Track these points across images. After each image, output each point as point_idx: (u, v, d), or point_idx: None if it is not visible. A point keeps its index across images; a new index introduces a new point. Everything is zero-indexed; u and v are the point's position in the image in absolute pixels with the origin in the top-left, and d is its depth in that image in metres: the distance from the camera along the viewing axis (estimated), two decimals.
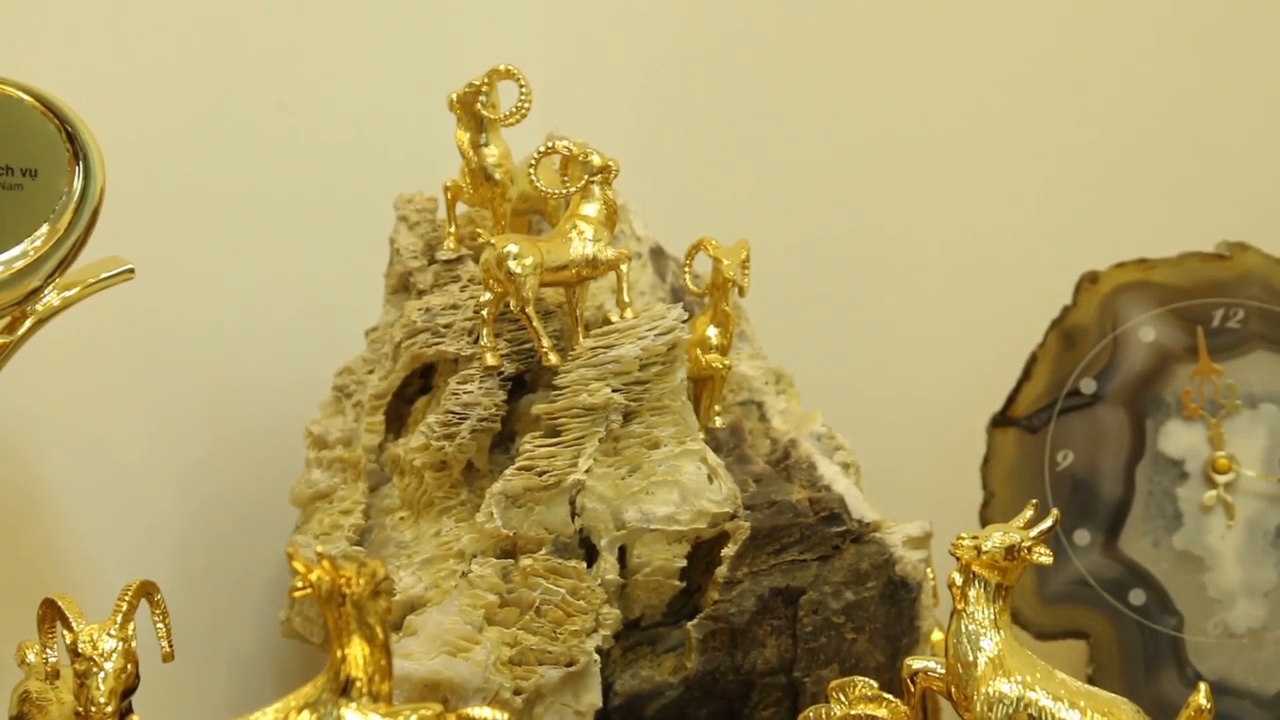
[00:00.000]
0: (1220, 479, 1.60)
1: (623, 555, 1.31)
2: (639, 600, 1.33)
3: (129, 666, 1.14)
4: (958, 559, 1.22)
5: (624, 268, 1.34)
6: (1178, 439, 1.62)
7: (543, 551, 1.30)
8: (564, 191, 1.36)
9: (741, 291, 1.42)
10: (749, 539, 1.33)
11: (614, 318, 1.35)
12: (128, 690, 1.14)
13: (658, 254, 1.53)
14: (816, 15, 1.95)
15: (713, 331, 1.40)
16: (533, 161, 1.37)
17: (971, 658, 1.19)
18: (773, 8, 1.96)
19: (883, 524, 1.37)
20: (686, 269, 1.44)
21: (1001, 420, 1.65)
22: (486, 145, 1.39)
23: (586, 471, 1.30)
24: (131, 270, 1.28)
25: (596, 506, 1.30)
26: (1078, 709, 1.19)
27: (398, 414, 1.45)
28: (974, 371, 1.80)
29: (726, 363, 1.40)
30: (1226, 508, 1.60)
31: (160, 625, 1.20)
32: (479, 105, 1.39)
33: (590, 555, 1.31)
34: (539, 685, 1.27)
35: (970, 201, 1.89)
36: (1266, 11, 1.79)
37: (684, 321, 1.34)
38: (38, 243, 1.18)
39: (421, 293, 1.44)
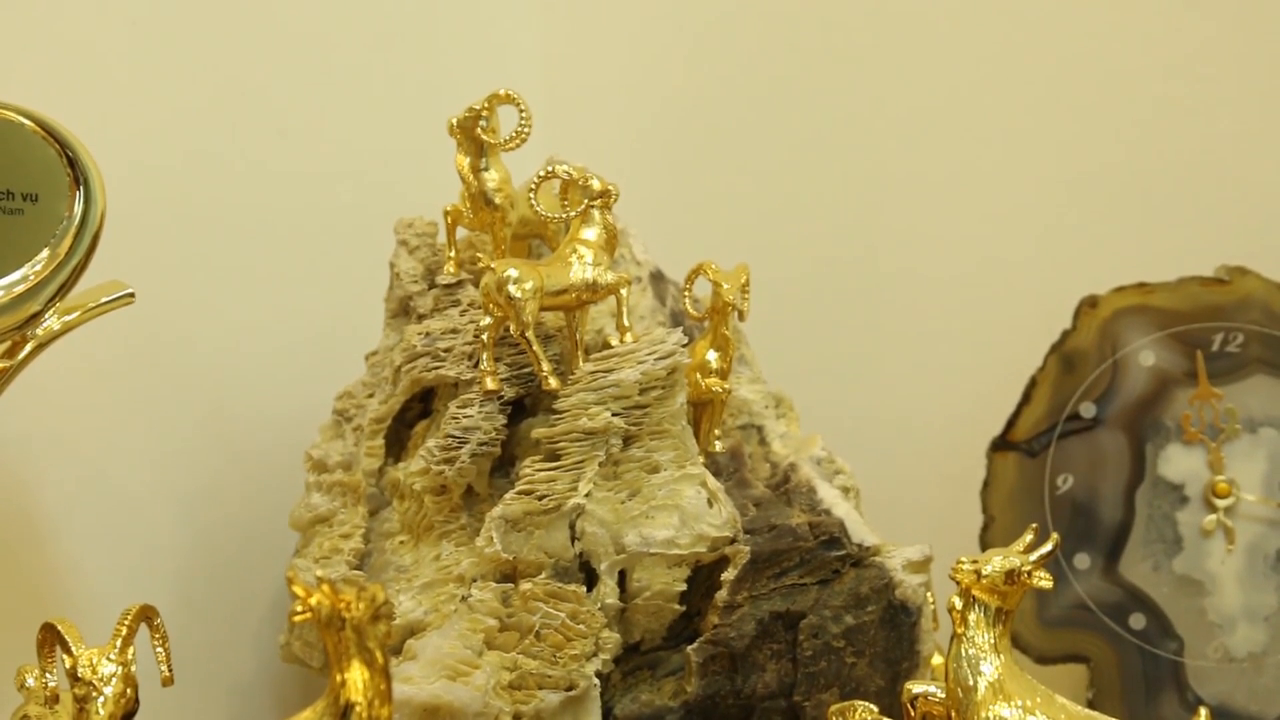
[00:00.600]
0: (1220, 503, 1.60)
1: (622, 579, 1.31)
2: (639, 624, 1.33)
3: (128, 691, 1.14)
4: (958, 583, 1.22)
5: (624, 292, 1.35)
6: (1177, 463, 1.62)
7: (542, 576, 1.30)
8: (564, 216, 1.37)
9: (741, 316, 1.42)
10: (749, 563, 1.33)
11: (614, 342, 1.35)
12: (127, 715, 1.14)
13: (657, 278, 1.53)
14: (817, 38, 1.95)
15: (712, 356, 1.40)
16: (533, 186, 1.37)
17: (971, 682, 1.19)
18: (772, 31, 1.97)
19: (883, 548, 1.37)
20: (686, 293, 1.44)
21: (1001, 444, 1.65)
22: (486, 170, 1.40)
23: (586, 495, 1.30)
24: (132, 295, 1.28)
25: (596, 530, 1.30)
26: None
27: (398, 438, 1.46)
28: (974, 395, 1.80)
29: (726, 387, 1.40)
30: (1226, 532, 1.60)
31: (160, 650, 1.20)
32: (479, 130, 1.39)
33: (590, 579, 1.31)
34: (539, 709, 1.27)
35: (970, 226, 1.89)
36: (1265, 36, 1.80)
37: (684, 346, 1.34)
38: (38, 267, 1.18)
39: (421, 317, 1.44)
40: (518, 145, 1.40)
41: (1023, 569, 1.21)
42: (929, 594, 1.37)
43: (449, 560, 1.35)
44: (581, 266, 1.33)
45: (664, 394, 1.33)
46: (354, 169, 1.79)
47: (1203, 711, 1.23)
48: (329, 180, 1.76)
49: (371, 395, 1.48)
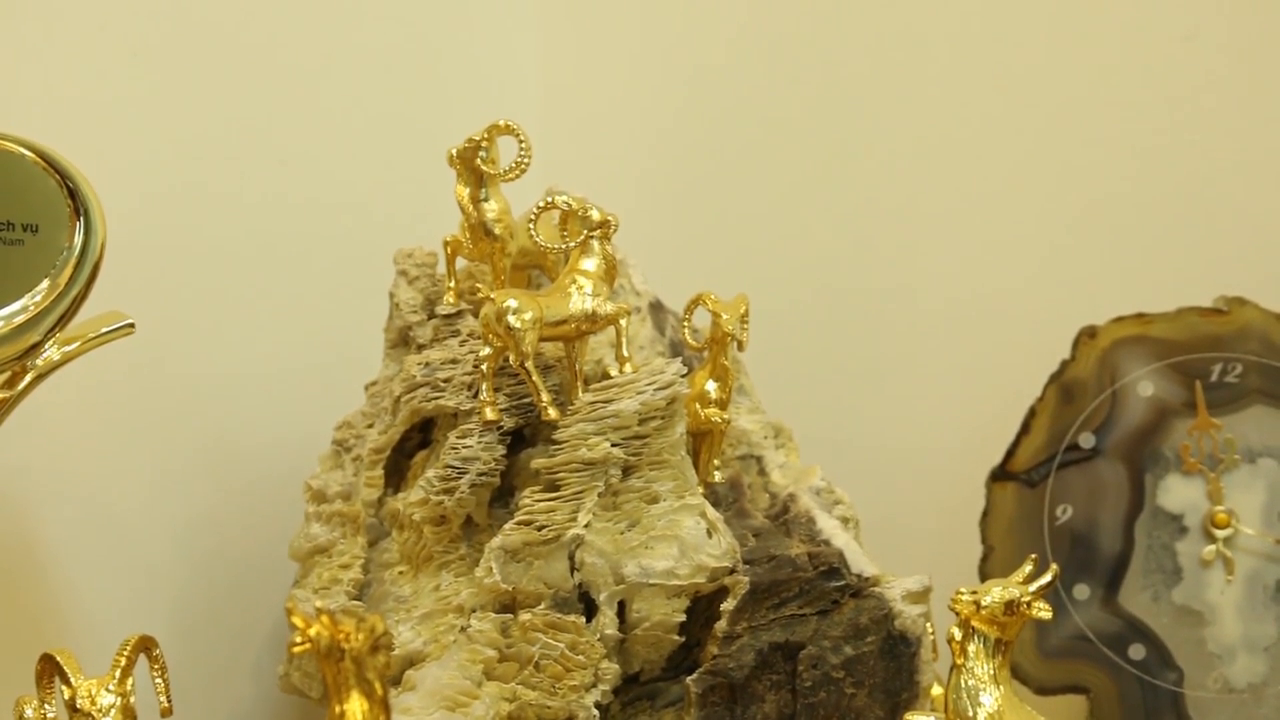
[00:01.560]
0: (1219, 534, 1.60)
1: (622, 610, 1.31)
2: (638, 655, 1.33)
3: None
4: (957, 614, 1.22)
5: (623, 322, 1.35)
6: (1177, 493, 1.62)
7: (542, 606, 1.30)
8: (563, 246, 1.37)
9: (740, 346, 1.43)
10: (748, 593, 1.32)
11: (613, 372, 1.36)
12: None
13: (657, 308, 1.53)
14: (816, 68, 1.96)
15: (712, 386, 1.40)
16: (532, 216, 1.37)
17: (971, 713, 1.19)
18: (771, 61, 1.97)
19: (882, 578, 1.37)
20: (685, 323, 1.44)
21: (1000, 474, 1.65)
22: (486, 200, 1.40)
23: (586, 526, 1.30)
24: (132, 325, 1.28)
25: (595, 561, 1.30)
26: None
27: (397, 468, 1.45)
28: (973, 426, 1.80)
29: (726, 417, 1.40)
30: (1226, 562, 1.60)
31: (159, 680, 1.20)
32: (479, 160, 1.39)
33: (589, 610, 1.31)
34: None
35: (968, 256, 1.89)
36: (1263, 67, 1.80)
37: (683, 376, 1.34)
38: (38, 298, 1.19)
39: (421, 347, 1.44)
40: (517, 176, 1.40)
41: (1022, 600, 1.21)
42: (928, 624, 1.37)
43: (448, 591, 1.34)
44: (581, 297, 1.34)
45: (663, 424, 1.33)
46: (354, 199, 1.79)
47: None
48: (329, 210, 1.76)
49: (371, 425, 1.48)
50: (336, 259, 1.75)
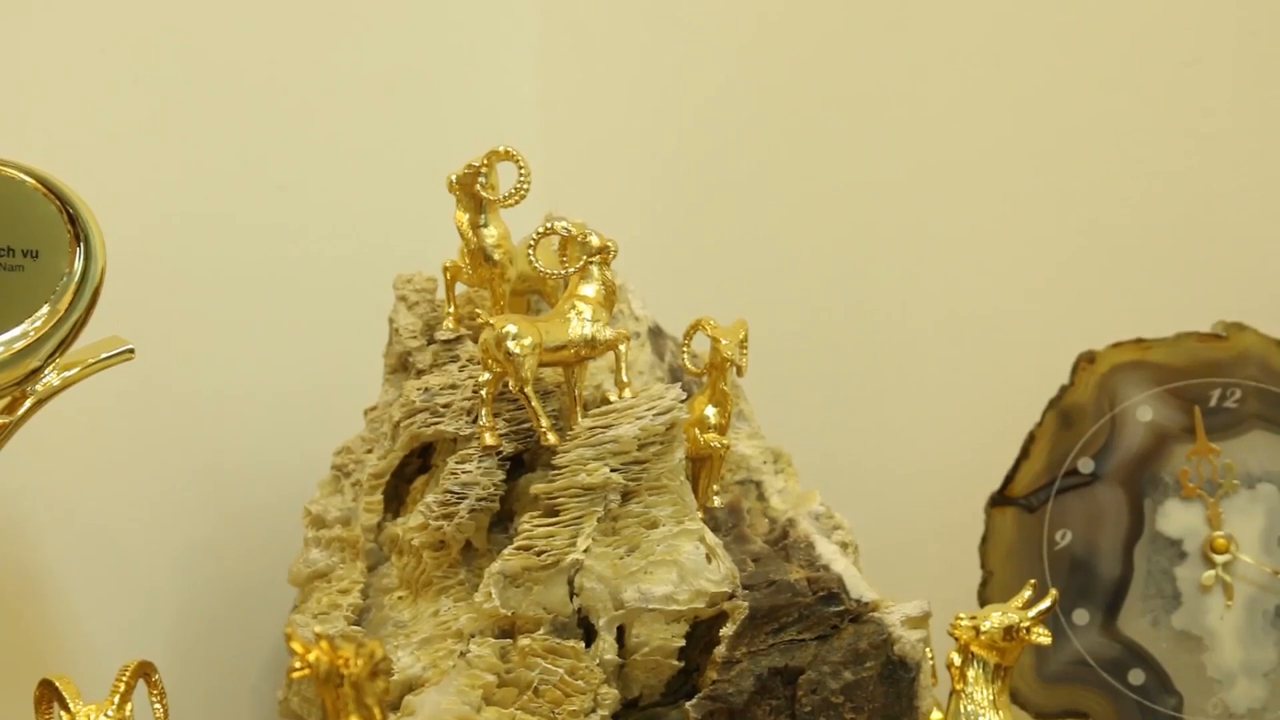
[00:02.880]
0: (1218, 559, 1.60)
1: (621, 635, 1.31)
2: (637, 680, 1.33)
3: None
4: (956, 639, 1.22)
5: (622, 348, 1.35)
6: (1176, 518, 1.62)
7: (541, 631, 1.30)
8: (563, 272, 1.37)
9: (740, 371, 1.43)
10: (747, 619, 1.32)
11: (612, 397, 1.36)
12: None
13: (656, 334, 1.53)
14: (815, 91, 1.96)
15: (711, 411, 1.40)
16: (531, 242, 1.37)
17: None
18: (770, 88, 1.98)
19: (881, 604, 1.37)
20: (685, 349, 1.44)
21: (1000, 500, 1.65)
22: (485, 226, 1.40)
23: (585, 551, 1.30)
24: (131, 351, 1.28)
25: (595, 586, 1.30)
26: None
27: (396, 493, 1.45)
28: (972, 451, 1.80)
29: (725, 442, 1.40)
30: (1225, 588, 1.60)
31: (158, 706, 1.20)
32: (478, 186, 1.39)
33: (588, 635, 1.31)
34: None
35: (967, 282, 1.89)
36: (1264, 92, 1.80)
37: (682, 401, 1.34)
38: (38, 323, 1.18)
39: (420, 372, 1.45)
40: (517, 202, 1.40)
41: (1021, 625, 1.21)
42: (928, 650, 1.37)
43: (447, 616, 1.34)
44: (580, 322, 1.34)
45: (662, 449, 1.33)
46: (353, 225, 1.79)
47: None
48: (329, 236, 1.76)
49: (370, 450, 1.48)
50: (336, 284, 1.75)
